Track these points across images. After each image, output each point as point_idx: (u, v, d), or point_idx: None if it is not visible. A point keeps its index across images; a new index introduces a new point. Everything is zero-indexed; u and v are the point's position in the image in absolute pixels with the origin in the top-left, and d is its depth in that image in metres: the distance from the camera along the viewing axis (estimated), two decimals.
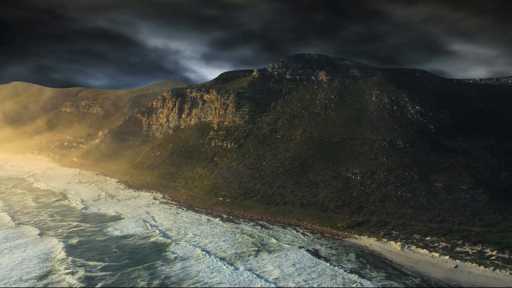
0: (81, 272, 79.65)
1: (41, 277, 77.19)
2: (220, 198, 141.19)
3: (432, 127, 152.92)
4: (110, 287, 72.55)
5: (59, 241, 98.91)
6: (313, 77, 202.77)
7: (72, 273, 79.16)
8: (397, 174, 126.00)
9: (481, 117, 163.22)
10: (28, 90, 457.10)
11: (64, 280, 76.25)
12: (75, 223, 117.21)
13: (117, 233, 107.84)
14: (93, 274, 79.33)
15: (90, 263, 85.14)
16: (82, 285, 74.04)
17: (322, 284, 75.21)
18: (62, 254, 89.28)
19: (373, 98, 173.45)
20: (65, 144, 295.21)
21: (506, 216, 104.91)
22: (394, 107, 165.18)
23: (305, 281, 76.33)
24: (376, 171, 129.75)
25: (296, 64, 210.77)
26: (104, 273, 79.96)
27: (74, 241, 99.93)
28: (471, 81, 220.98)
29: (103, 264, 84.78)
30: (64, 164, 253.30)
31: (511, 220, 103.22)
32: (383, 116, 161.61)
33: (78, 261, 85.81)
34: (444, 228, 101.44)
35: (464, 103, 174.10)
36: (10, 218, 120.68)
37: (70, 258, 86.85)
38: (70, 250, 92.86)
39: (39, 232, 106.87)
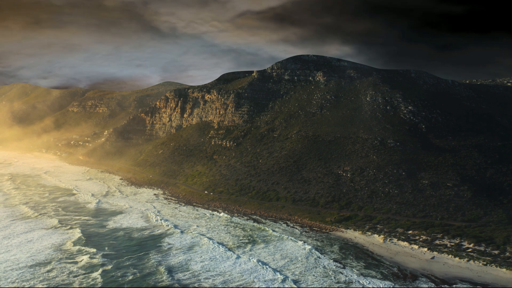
0: (97, 257, 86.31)
1: (61, 259, 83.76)
2: (208, 192, 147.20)
3: (423, 126, 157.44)
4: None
5: (78, 231, 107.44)
6: (310, 78, 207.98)
7: (91, 257, 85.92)
8: (386, 171, 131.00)
9: (473, 116, 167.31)
10: (36, 90, 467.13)
11: (85, 258, 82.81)
12: (86, 217, 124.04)
13: (125, 224, 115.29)
14: (112, 260, 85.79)
15: (108, 252, 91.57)
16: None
17: (303, 270, 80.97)
18: (80, 242, 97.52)
19: (367, 98, 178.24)
20: (72, 142, 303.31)
21: (487, 211, 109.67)
22: (388, 107, 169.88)
23: (285, 267, 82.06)
24: (366, 168, 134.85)
25: (294, 65, 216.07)
26: (124, 258, 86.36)
27: (86, 230, 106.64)
28: (467, 82, 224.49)
29: (120, 251, 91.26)
30: (71, 162, 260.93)
31: (492, 216, 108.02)
32: (376, 115, 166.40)
33: (93, 248, 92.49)
34: (427, 222, 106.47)
35: (457, 103, 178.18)
36: (33, 211, 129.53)
37: (85, 246, 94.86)
38: (85, 238, 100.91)
39: (58, 222, 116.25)
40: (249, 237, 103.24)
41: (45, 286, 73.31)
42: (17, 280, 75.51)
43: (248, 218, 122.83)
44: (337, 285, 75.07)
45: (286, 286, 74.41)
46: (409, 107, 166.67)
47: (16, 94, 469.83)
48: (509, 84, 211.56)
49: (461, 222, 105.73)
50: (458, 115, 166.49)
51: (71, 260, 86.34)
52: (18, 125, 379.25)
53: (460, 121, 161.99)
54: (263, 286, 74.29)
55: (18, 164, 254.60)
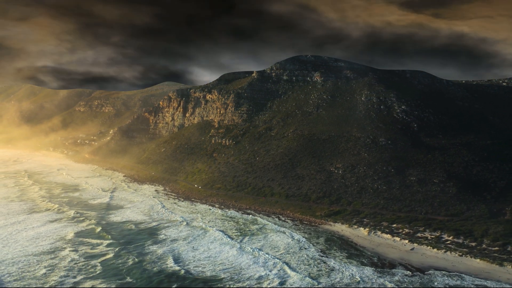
0: (111, 245, 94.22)
1: (77, 244, 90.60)
2: (207, 188, 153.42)
3: (415, 125, 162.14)
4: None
5: (88, 223, 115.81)
6: (308, 78, 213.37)
7: (105, 246, 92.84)
8: (376, 168, 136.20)
9: (465, 116, 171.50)
10: (44, 90, 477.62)
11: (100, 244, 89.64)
12: (93, 211, 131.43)
13: (129, 216, 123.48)
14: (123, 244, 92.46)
15: (114, 241, 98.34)
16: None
17: (290, 259, 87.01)
18: (98, 230, 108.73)
19: (362, 98, 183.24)
20: (78, 141, 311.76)
21: (470, 206, 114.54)
22: (381, 107, 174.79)
23: (276, 255, 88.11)
24: (357, 165, 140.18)
25: (293, 66, 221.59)
26: (132, 245, 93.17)
27: (93, 222, 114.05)
28: (463, 82, 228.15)
29: (128, 240, 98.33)
30: (77, 160, 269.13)
31: (474, 210, 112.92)
32: (370, 115, 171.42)
33: (103, 239, 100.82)
34: (411, 216, 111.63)
35: (450, 102, 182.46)
36: (50, 204, 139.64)
37: (98, 234, 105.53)
38: (98, 228, 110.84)
39: (74, 213, 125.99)
40: (243, 230, 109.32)
41: (60, 272, 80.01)
42: (25, 265, 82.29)
43: (243, 212, 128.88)
44: (319, 272, 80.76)
45: (281, 268, 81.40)
46: (402, 107, 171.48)
47: (24, 94, 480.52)
48: (504, 83, 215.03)
49: (444, 217, 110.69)
50: (450, 114, 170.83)
51: (86, 248, 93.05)
52: (26, 124, 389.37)
53: (452, 120, 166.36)
54: (262, 269, 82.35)
55: (28, 162, 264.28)
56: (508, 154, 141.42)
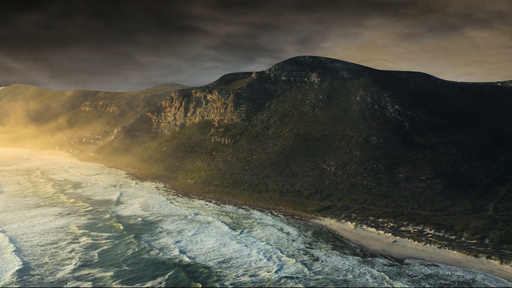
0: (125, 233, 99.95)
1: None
2: (205, 185, 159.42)
3: (407, 124, 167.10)
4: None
5: (100, 217, 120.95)
6: (306, 79, 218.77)
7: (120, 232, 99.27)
8: (366, 166, 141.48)
9: (457, 115, 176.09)
10: (50, 91, 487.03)
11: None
12: (102, 206, 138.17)
13: (134, 211, 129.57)
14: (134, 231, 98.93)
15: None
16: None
17: (279, 250, 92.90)
18: (113, 220, 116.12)
19: (357, 98, 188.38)
20: (83, 140, 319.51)
21: (455, 202, 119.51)
22: (375, 106, 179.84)
23: (268, 246, 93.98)
24: (348, 163, 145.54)
25: (291, 67, 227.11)
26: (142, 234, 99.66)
27: (95, 216, 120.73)
28: (460, 82, 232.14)
29: (132, 231, 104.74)
30: (82, 158, 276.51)
31: (458, 206, 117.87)
32: (364, 114, 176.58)
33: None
34: (397, 212, 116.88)
35: (443, 102, 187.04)
36: (66, 197, 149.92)
37: (110, 225, 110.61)
38: (109, 220, 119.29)
39: (90, 206, 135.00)
40: (238, 223, 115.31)
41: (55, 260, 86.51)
42: (39, 256, 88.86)
43: (238, 207, 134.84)
44: (303, 262, 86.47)
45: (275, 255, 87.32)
46: (396, 107, 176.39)
47: (31, 94, 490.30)
48: (498, 84, 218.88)
49: (428, 212, 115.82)
50: (443, 114, 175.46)
51: (95, 239, 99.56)
52: (33, 124, 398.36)
53: (443, 119, 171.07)
54: (257, 256, 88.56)
55: (37, 160, 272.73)
56: (496, 152, 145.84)
